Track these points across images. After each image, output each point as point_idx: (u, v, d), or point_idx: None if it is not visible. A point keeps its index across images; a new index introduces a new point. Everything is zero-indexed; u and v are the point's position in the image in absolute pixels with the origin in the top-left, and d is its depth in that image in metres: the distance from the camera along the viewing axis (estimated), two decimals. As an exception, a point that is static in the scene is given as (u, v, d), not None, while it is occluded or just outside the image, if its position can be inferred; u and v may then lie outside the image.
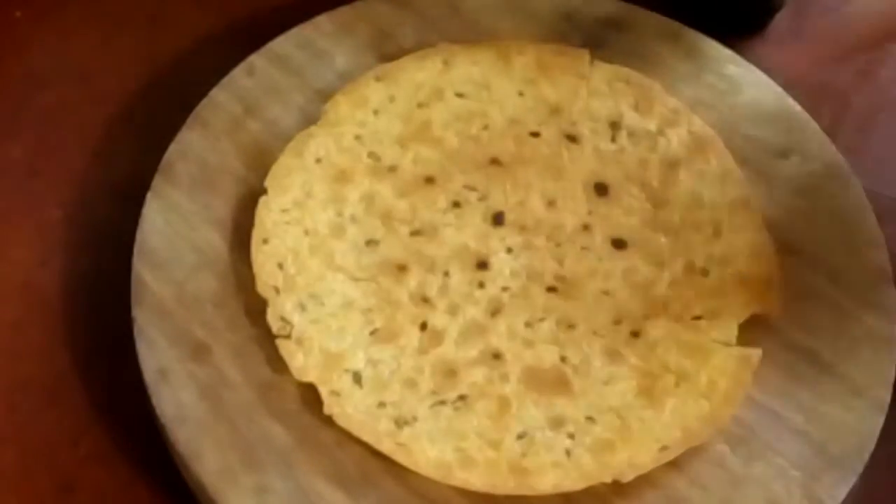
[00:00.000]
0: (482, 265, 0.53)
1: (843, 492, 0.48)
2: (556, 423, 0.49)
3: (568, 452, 0.48)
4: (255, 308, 0.51)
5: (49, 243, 0.57)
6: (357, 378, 0.49)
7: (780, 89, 0.59)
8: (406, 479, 0.47)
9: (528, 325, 0.51)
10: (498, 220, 0.54)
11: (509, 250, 0.53)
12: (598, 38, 0.60)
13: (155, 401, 0.49)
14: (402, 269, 0.53)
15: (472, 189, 0.55)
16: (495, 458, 0.48)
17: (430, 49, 0.59)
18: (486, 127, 0.57)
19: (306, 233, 0.53)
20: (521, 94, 0.58)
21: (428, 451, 0.48)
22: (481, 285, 0.52)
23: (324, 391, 0.49)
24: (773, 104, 0.59)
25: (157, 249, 0.53)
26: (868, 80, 0.65)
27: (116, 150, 0.60)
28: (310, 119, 0.57)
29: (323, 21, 0.61)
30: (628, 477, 0.47)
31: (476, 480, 0.47)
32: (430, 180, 0.55)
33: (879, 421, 0.49)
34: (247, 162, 0.56)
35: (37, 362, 0.53)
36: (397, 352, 0.50)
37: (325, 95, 0.58)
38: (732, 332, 0.51)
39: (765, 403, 0.50)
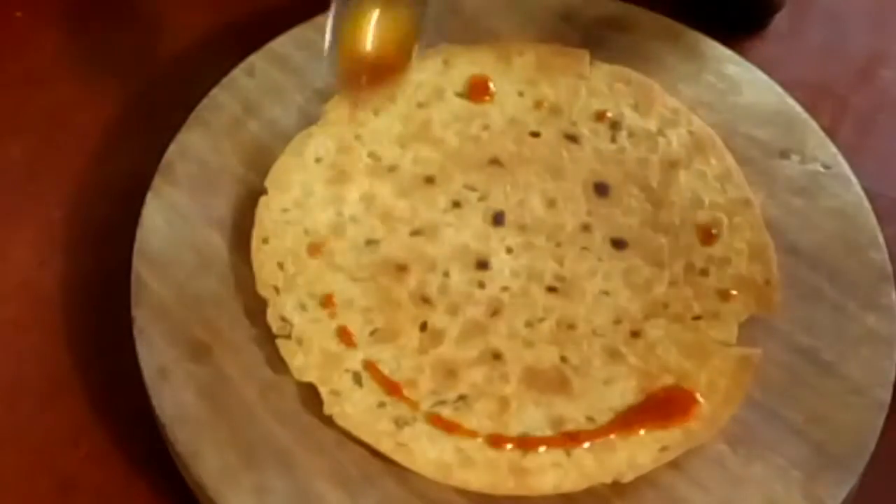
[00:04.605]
0: (482, 265, 0.53)
1: (843, 492, 0.48)
2: (556, 423, 0.49)
3: (568, 452, 0.48)
4: (255, 308, 0.51)
5: (49, 243, 0.57)
6: (357, 378, 0.49)
7: (780, 89, 0.59)
8: (406, 479, 0.47)
9: (528, 325, 0.51)
10: (498, 220, 0.54)
11: (509, 250, 0.53)
12: (598, 38, 0.60)
13: (155, 400, 0.49)
14: (402, 268, 0.53)
15: (472, 189, 0.55)
16: (495, 458, 0.48)
17: (430, 49, 0.59)
18: (486, 127, 0.57)
19: (306, 232, 0.53)
20: (521, 94, 0.58)
21: (428, 451, 0.48)
22: (481, 285, 0.52)
23: (324, 391, 0.49)
24: (773, 104, 0.59)
25: (157, 249, 0.53)
26: (868, 80, 0.65)
27: (116, 150, 0.60)
28: (310, 119, 0.57)
29: (323, 21, 0.60)
30: (628, 477, 0.47)
31: (476, 480, 0.47)
32: (430, 180, 0.55)
33: (879, 421, 0.49)
34: (247, 162, 0.56)
35: (36, 362, 0.53)
36: (397, 352, 0.50)
37: (325, 95, 0.58)
38: (732, 332, 0.51)
39: (765, 403, 0.50)
